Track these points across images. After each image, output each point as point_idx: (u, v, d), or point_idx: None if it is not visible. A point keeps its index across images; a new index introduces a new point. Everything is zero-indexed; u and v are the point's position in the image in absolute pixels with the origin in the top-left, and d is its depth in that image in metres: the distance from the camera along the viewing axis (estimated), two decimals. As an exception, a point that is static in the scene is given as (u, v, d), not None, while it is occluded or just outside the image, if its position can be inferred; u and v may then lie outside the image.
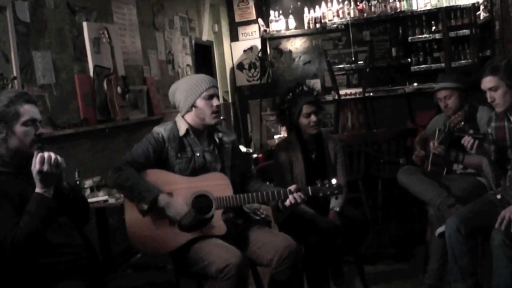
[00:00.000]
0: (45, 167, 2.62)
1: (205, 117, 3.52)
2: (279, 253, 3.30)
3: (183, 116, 3.58)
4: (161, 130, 3.53)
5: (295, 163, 4.17)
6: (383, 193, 5.87)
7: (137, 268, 5.20)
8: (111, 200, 4.35)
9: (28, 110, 2.78)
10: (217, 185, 3.43)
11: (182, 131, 3.53)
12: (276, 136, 9.16)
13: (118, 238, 5.19)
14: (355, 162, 5.95)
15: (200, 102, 3.50)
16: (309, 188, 3.47)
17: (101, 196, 4.46)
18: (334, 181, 3.47)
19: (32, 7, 4.82)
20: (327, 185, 3.46)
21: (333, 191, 3.46)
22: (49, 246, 2.74)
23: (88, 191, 4.61)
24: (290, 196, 3.40)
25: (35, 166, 2.63)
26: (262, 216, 3.96)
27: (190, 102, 3.52)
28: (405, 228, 5.95)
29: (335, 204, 4.04)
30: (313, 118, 4.10)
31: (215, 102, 3.51)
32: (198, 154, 3.53)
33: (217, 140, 3.64)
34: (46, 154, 2.64)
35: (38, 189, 2.67)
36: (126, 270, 5.18)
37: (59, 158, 2.69)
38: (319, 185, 3.47)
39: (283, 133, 9.03)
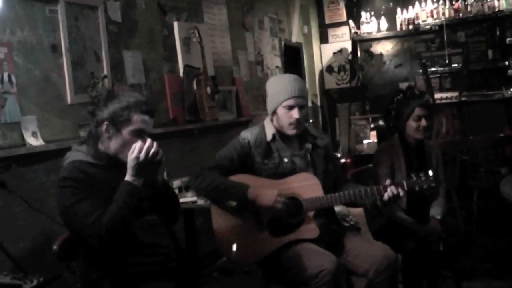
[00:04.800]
0: (142, 156, 2.57)
1: (283, 126, 3.36)
2: (376, 263, 3.11)
3: (271, 119, 3.45)
4: (247, 135, 3.40)
5: (397, 169, 3.96)
6: (478, 203, 5.56)
7: (223, 272, 5.11)
8: (200, 202, 4.27)
9: (141, 121, 2.71)
10: (306, 185, 3.27)
11: (269, 136, 3.39)
12: (365, 141, 8.97)
13: (204, 239, 5.12)
14: (449, 170, 5.67)
15: (280, 110, 3.34)
16: (404, 182, 3.22)
17: (189, 197, 4.38)
18: (430, 172, 3.23)
19: (124, 7, 4.85)
20: (423, 178, 3.21)
21: (430, 184, 3.21)
22: (139, 246, 2.67)
23: (176, 192, 4.53)
24: (388, 190, 3.18)
25: (133, 152, 2.58)
26: (352, 223, 3.79)
27: (271, 108, 3.39)
28: (503, 242, 5.60)
29: (435, 212, 3.83)
30: (423, 122, 3.88)
31: (295, 113, 3.28)
32: (286, 160, 3.37)
33: (309, 144, 3.46)
34: (147, 144, 2.59)
35: (127, 177, 2.61)
36: (212, 274, 5.10)
37: (160, 151, 2.64)
38: (414, 178, 3.24)
39: (372, 138, 8.82)
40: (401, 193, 3.19)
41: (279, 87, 3.33)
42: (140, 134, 2.69)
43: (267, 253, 3.24)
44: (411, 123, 3.90)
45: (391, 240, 3.44)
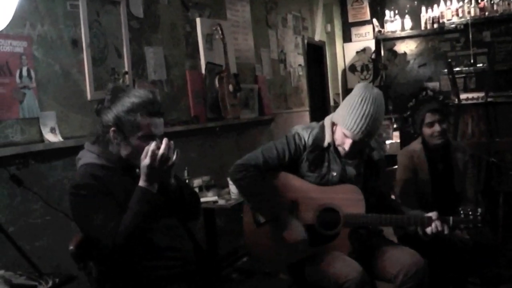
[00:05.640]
0: (155, 164, 2.44)
1: (335, 141, 3.16)
2: (405, 269, 2.97)
3: (332, 125, 3.20)
4: (305, 135, 3.20)
5: (420, 174, 3.83)
6: (504, 208, 5.40)
7: (242, 273, 5.03)
8: (221, 202, 4.20)
9: (149, 124, 2.56)
10: (349, 199, 3.10)
11: (326, 143, 3.19)
12: (387, 142, 8.86)
13: (224, 239, 5.05)
14: (475, 173, 5.52)
15: (339, 130, 3.10)
16: (451, 218, 3.04)
17: (210, 197, 4.30)
18: (479, 210, 3.04)
19: (146, 3, 4.80)
20: (471, 217, 3.03)
21: (477, 224, 3.03)
22: (155, 249, 2.56)
23: (196, 191, 4.46)
24: (433, 224, 3.02)
25: (145, 158, 2.45)
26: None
27: (335, 119, 3.14)
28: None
29: None
30: (436, 127, 3.74)
31: (347, 144, 3.04)
32: (334, 174, 3.18)
33: (366, 156, 3.26)
34: (161, 151, 2.44)
35: (141, 183, 2.49)
36: (232, 275, 5.02)
37: (174, 156, 2.50)
38: (462, 215, 3.06)
39: (395, 139, 8.71)
40: (446, 230, 3.03)
41: (351, 111, 2.99)
42: (149, 139, 2.54)
43: (294, 260, 3.14)
44: (425, 130, 3.78)
45: (416, 247, 3.31)
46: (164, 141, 2.48)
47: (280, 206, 3.09)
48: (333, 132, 3.17)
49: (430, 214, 3.04)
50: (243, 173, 3.15)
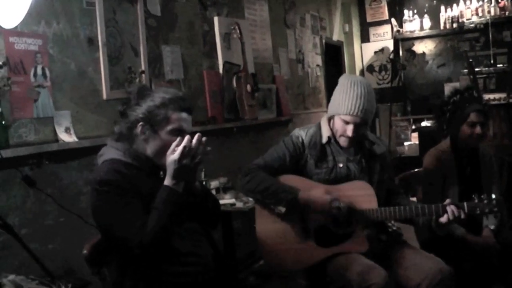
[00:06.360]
0: (185, 161, 2.38)
1: (336, 134, 3.15)
2: (429, 278, 2.86)
3: (329, 121, 3.21)
4: (302, 134, 3.21)
5: (448, 177, 3.71)
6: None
7: (259, 276, 4.95)
8: (239, 204, 4.13)
9: (179, 119, 2.51)
10: (361, 195, 3.04)
11: (324, 138, 3.17)
12: (406, 143, 8.76)
13: (241, 242, 4.98)
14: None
15: (336, 119, 3.10)
16: (465, 204, 2.95)
17: (227, 199, 4.24)
18: (493, 196, 2.97)
19: (163, 1, 4.75)
20: (485, 201, 2.95)
21: (493, 208, 2.95)
22: (176, 254, 2.48)
23: (213, 193, 4.39)
24: (449, 210, 2.91)
25: (172, 153, 2.38)
26: (394, 228, 3.56)
27: (330, 112, 3.16)
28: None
29: (489, 221, 3.57)
30: (478, 129, 3.61)
31: (348, 130, 3.05)
32: (341, 165, 3.15)
33: (366, 150, 3.22)
34: (193, 141, 2.38)
35: (167, 181, 2.42)
36: (249, 278, 4.94)
37: (201, 149, 2.43)
38: (476, 200, 2.98)
39: (414, 140, 8.61)
40: (462, 215, 2.93)
41: (344, 96, 3.05)
42: (179, 134, 2.47)
43: (311, 263, 3.05)
44: (465, 129, 3.64)
45: (441, 253, 3.19)
46: (197, 135, 2.41)
47: (294, 188, 3.02)
48: (331, 128, 3.18)
49: (444, 203, 2.96)
50: (248, 176, 3.11)
